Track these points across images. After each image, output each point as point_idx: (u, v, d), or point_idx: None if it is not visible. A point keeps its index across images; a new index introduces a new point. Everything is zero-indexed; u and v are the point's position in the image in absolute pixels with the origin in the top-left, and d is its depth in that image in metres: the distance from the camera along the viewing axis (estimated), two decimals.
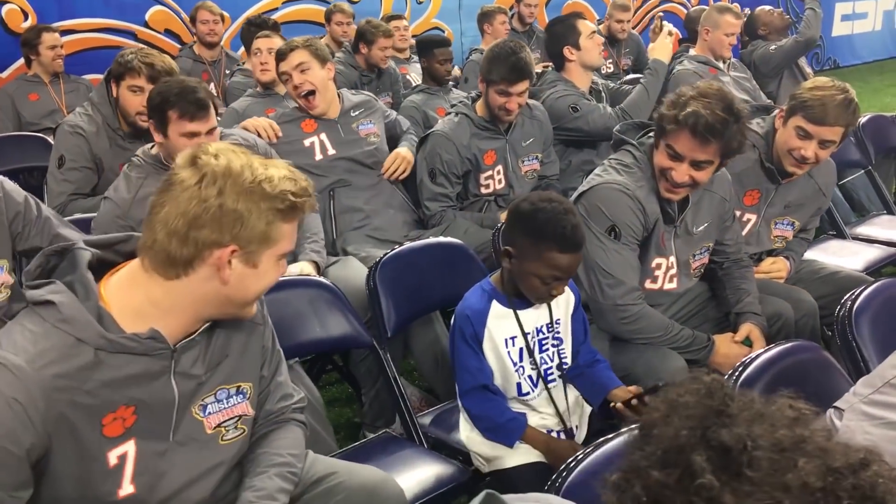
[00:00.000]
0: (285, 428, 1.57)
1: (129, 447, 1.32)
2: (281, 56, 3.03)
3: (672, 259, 2.26)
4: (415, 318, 2.40)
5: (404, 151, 3.16)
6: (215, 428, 1.43)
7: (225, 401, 1.44)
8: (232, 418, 1.45)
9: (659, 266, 2.25)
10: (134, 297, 1.32)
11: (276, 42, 3.83)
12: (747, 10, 5.58)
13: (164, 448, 1.37)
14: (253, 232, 1.30)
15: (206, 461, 1.42)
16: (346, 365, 2.99)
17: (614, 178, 2.19)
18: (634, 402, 1.81)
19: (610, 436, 1.40)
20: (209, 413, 1.42)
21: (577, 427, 1.95)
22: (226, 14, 5.33)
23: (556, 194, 1.90)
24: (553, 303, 1.92)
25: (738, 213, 2.53)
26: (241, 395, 1.47)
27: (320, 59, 3.00)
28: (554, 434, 1.91)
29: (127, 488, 1.33)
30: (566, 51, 3.51)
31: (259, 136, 2.92)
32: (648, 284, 2.27)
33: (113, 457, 1.31)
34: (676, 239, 2.27)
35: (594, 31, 3.54)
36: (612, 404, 1.88)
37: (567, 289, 1.95)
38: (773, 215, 2.65)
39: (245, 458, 1.52)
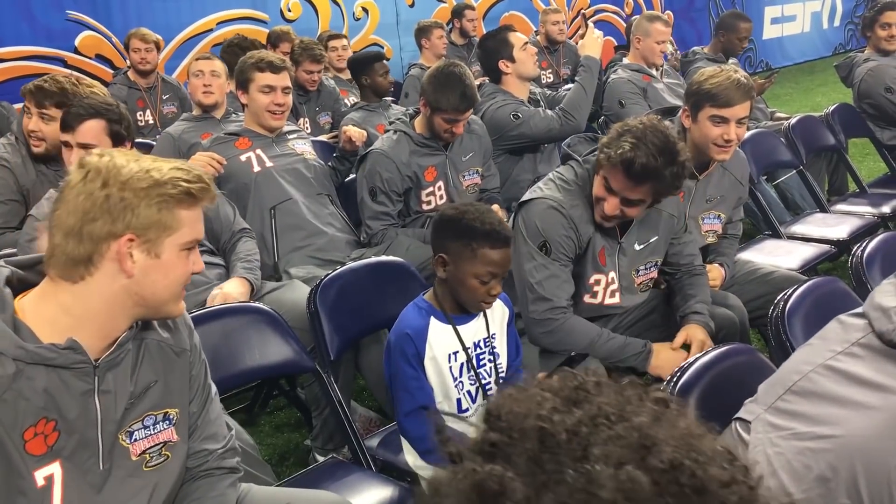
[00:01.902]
0: (208, 485, 1.52)
1: (55, 469, 1.30)
2: (275, 69, 3.04)
3: (612, 275, 2.28)
4: (358, 339, 2.37)
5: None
6: (140, 454, 1.41)
7: (152, 427, 1.43)
8: (157, 445, 1.43)
9: (598, 282, 2.27)
10: (46, 310, 1.31)
11: (218, 65, 3.81)
12: None
13: (94, 476, 1.34)
14: (147, 219, 1.30)
15: (135, 489, 1.40)
16: (293, 389, 2.95)
17: (552, 194, 2.23)
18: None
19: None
20: (135, 440, 1.40)
21: None
22: (160, 39, 5.21)
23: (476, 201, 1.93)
24: (490, 317, 1.93)
25: None
26: (167, 422, 1.45)
27: (291, 85, 3.17)
28: None
29: None
30: (501, 64, 3.56)
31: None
32: (588, 299, 2.29)
33: (39, 477, 1.29)
34: (620, 255, 2.28)
35: (526, 42, 3.61)
36: None
37: (502, 304, 1.97)
38: (698, 212, 2.72)
39: None
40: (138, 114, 4.96)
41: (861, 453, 1.16)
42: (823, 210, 3.90)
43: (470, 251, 1.82)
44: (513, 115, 3.45)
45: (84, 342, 1.31)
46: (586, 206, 2.20)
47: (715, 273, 2.63)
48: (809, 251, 3.30)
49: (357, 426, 2.59)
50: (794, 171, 4.03)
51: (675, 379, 1.56)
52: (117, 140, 2.42)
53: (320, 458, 2.47)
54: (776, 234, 3.55)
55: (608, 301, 2.31)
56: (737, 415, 1.43)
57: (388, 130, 3.17)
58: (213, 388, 1.59)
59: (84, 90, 2.75)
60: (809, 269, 3.16)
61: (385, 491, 1.91)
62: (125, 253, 1.29)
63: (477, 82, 6.05)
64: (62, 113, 2.46)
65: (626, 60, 4.58)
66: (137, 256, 1.31)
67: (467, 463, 0.61)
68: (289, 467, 2.73)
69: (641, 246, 2.31)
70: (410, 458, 1.94)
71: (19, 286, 1.35)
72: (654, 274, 2.39)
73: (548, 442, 0.60)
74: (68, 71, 5.09)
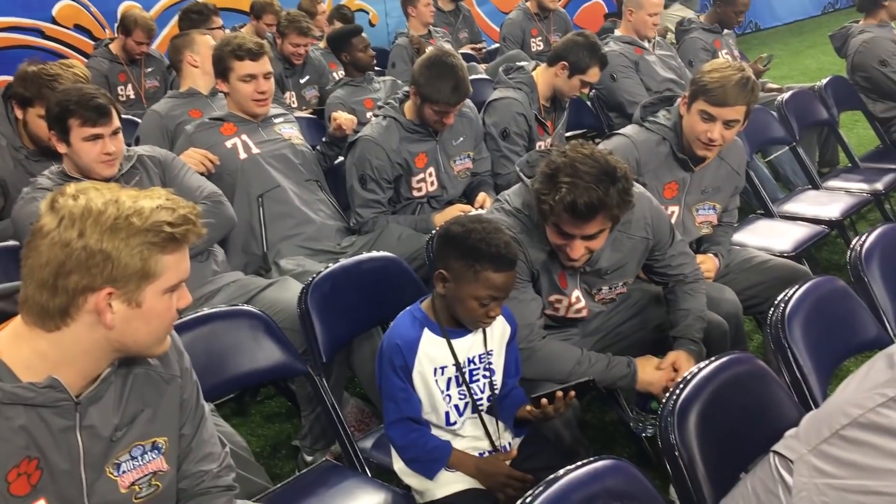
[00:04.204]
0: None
1: None
2: (254, 56, 2.91)
3: (576, 294, 2.19)
4: (351, 338, 2.33)
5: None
6: (129, 486, 1.37)
7: (140, 458, 1.38)
8: (146, 475, 1.39)
9: (559, 301, 2.19)
10: (22, 352, 1.24)
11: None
12: None
13: None
14: (126, 270, 1.21)
15: None
16: (284, 379, 2.91)
17: (502, 218, 2.12)
18: (544, 400, 1.80)
19: (560, 472, 1.33)
20: (123, 472, 1.36)
21: (509, 445, 1.92)
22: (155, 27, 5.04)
23: (485, 216, 1.85)
24: (489, 333, 1.88)
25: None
26: (156, 451, 1.41)
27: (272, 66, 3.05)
28: (485, 455, 1.89)
29: None
30: (576, 79, 3.34)
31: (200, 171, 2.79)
32: (549, 312, 2.21)
33: None
34: (585, 277, 2.19)
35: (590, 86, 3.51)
36: (527, 408, 1.86)
37: (504, 320, 1.92)
38: (693, 203, 2.66)
39: None
40: (119, 88, 4.84)
41: None
42: (815, 187, 3.86)
43: (472, 273, 1.75)
44: (502, 132, 3.30)
45: (64, 381, 1.25)
46: (536, 234, 2.08)
47: (709, 264, 2.59)
48: (802, 232, 3.27)
49: (349, 418, 2.58)
50: (787, 148, 3.99)
51: (676, 394, 1.54)
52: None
53: (308, 458, 2.46)
54: (769, 214, 3.52)
55: (572, 315, 2.23)
56: (776, 448, 1.38)
57: (377, 115, 3.08)
58: (207, 408, 1.55)
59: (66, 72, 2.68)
60: (803, 250, 3.14)
61: (379, 497, 1.89)
62: (104, 306, 1.22)
63: (466, 50, 5.96)
64: (96, 108, 2.34)
65: (617, 32, 4.50)
66: (117, 308, 1.23)
67: None
68: (281, 459, 2.72)
69: (611, 273, 2.20)
70: (397, 464, 1.91)
71: None
72: (623, 290, 2.29)
73: None
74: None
